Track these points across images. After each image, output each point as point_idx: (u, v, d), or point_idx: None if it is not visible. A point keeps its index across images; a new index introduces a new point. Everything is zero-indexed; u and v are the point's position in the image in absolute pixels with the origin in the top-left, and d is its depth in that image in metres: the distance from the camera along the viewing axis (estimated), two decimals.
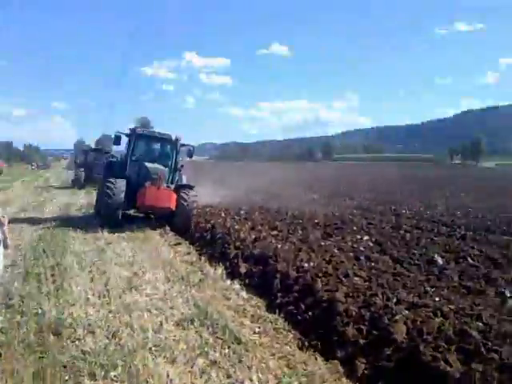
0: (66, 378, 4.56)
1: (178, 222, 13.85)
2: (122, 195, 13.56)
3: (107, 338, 5.58)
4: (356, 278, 7.76)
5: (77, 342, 5.41)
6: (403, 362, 4.99)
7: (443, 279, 8.10)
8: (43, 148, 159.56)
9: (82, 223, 14.44)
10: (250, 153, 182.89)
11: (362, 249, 10.49)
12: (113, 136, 34.28)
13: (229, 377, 4.72)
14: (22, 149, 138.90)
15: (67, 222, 14.89)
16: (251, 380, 4.64)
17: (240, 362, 5.04)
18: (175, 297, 7.26)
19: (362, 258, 9.50)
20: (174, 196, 13.88)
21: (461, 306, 6.31)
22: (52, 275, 8.33)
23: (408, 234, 12.84)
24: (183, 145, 15.76)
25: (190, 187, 14.74)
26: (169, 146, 15.68)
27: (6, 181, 38.09)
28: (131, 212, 15.50)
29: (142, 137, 15.41)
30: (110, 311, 6.48)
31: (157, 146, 16.09)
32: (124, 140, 15.26)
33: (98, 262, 9.37)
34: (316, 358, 5.31)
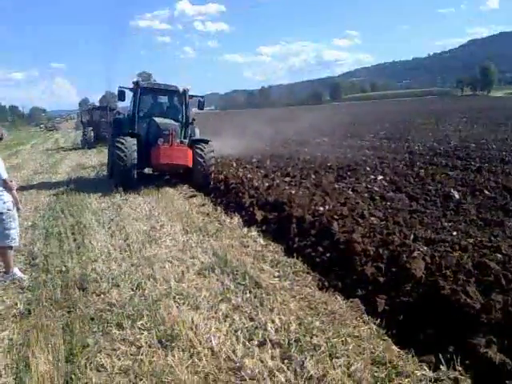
0: (95, 329, 4.70)
1: (196, 178, 13.11)
2: (135, 154, 12.57)
3: (131, 289, 5.71)
4: (372, 218, 7.77)
5: (102, 296, 5.55)
6: (423, 297, 5.04)
7: (460, 213, 8.09)
8: (49, 110, 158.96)
9: (97, 183, 14.54)
10: (257, 100, 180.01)
11: (376, 189, 10.46)
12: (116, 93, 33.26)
13: (251, 320, 4.82)
14: (27, 112, 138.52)
15: (82, 182, 15.03)
16: (273, 322, 4.74)
17: (261, 305, 5.14)
18: (194, 247, 7.36)
19: (377, 197, 9.51)
20: (190, 152, 13.01)
21: (479, 239, 6.33)
22: (72, 233, 8.49)
23: (422, 171, 12.74)
24: (192, 96, 14.88)
25: (205, 141, 13.77)
26: (177, 99, 14.74)
27: (16, 145, 38.26)
28: (145, 171, 14.67)
29: (146, 90, 14.47)
30: (132, 264, 6.61)
31: (164, 99, 15.12)
32: (129, 95, 14.39)
33: (116, 219, 9.51)
34: (336, 298, 5.39)
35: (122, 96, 14.02)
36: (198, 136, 14.80)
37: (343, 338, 4.35)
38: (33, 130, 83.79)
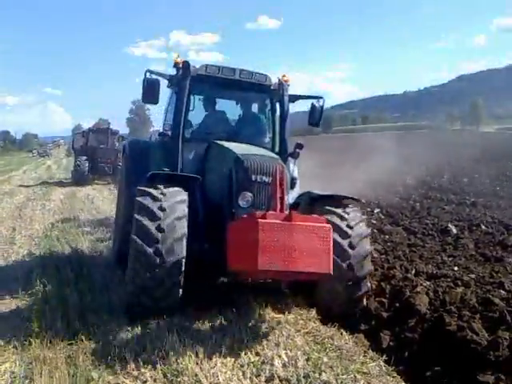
0: (97, 362, 4.61)
1: (330, 297, 5.78)
2: (183, 244, 5.33)
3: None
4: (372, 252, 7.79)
5: (102, 327, 5.45)
6: (428, 333, 5.05)
7: (459, 248, 8.17)
8: (42, 136, 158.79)
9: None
10: None
11: (374, 221, 10.53)
12: (109, 121, 27.79)
13: (257, 354, 4.77)
14: (19, 138, 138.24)
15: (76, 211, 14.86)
16: (280, 357, 4.69)
17: (267, 340, 5.08)
18: None
19: (375, 230, 9.56)
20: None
21: (481, 275, 6.38)
22: (69, 262, 8.36)
23: (418, 204, 12.88)
24: (297, 97, 7.53)
25: (341, 202, 6.17)
26: (265, 102, 7.56)
27: (6, 171, 38.00)
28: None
29: (206, 80, 6.91)
30: None
31: (240, 101, 7.63)
32: (163, 95, 7.06)
33: None
34: (341, 333, 5.36)
35: (152, 92, 6.63)
36: (296, 184, 7.34)
37: (352, 375, 4.31)
38: (25, 156, 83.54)
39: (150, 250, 5.12)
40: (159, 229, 5.20)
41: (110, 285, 6.94)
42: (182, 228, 5.32)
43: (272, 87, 7.16)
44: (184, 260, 5.26)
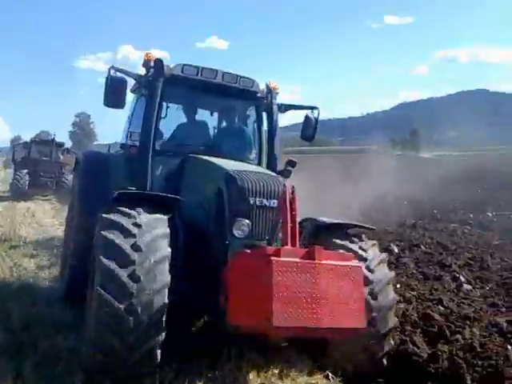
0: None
1: (346, 355, 4.53)
2: (164, 297, 3.98)
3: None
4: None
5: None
6: None
7: (400, 267, 8.51)
8: None
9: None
10: None
11: None
12: (52, 134, 25.09)
13: None
14: None
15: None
16: None
17: None
18: None
19: None
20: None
21: (421, 292, 6.70)
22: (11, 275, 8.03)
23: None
24: (288, 107, 6.59)
25: (352, 231, 5.19)
26: (252, 110, 6.51)
27: None
28: None
29: (182, 84, 5.83)
30: None
31: (221, 108, 6.57)
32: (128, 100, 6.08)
33: None
34: None
35: (117, 93, 5.50)
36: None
37: None
38: None
39: (121, 307, 3.77)
40: (133, 277, 3.86)
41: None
42: (164, 274, 3.98)
43: (259, 94, 6.19)
44: (165, 316, 3.95)
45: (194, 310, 5.01)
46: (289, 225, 4.11)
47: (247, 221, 4.44)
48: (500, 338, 4.98)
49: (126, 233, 4.03)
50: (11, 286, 7.55)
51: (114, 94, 5.44)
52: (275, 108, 6.21)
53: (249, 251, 3.90)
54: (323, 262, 3.67)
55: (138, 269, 3.87)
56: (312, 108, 6.52)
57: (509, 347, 5.07)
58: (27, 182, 22.01)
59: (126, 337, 3.79)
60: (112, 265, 3.85)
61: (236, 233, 4.42)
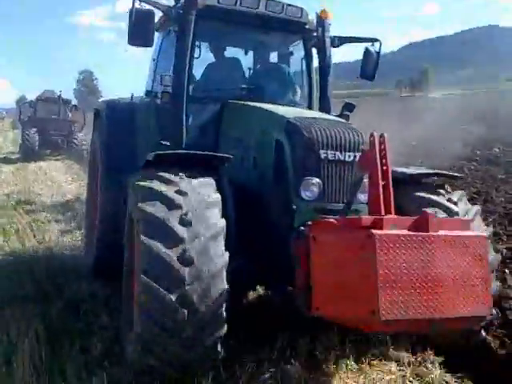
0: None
1: None
2: (223, 281, 3.30)
3: None
4: None
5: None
6: None
7: None
8: None
9: None
10: None
11: None
12: (58, 91, 24.32)
13: None
14: None
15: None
16: None
17: None
18: None
19: None
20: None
21: None
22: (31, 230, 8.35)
23: None
24: (341, 39, 5.57)
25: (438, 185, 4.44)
26: (300, 45, 5.60)
27: None
28: None
29: (218, 17, 4.99)
30: None
31: (264, 44, 5.76)
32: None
33: None
34: None
35: (144, 29, 4.57)
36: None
37: None
38: None
39: (172, 297, 3.10)
40: (184, 259, 3.17)
41: None
42: (220, 253, 3.31)
43: (308, 26, 5.29)
44: (225, 304, 3.28)
45: (252, 284, 4.45)
46: (380, 184, 3.22)
47: (317, 179, 3.73)
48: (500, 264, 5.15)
49: (170, 204, 3.31)
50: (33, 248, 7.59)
51: (140, 30, 4.55)
52: (328, 42, 5.28)
53: (335, 221, 3.12)
54: (440, 233, 2.89)
55: (188, 248, 3.19)
56: (372, 40, 5.58)
57: (506, 271, 5.37)
58: (37, 142, 21.57)
59: (180, 333, 3.17)
60: (156, 245, 3.16)
61: (304, 194, 3.73)
